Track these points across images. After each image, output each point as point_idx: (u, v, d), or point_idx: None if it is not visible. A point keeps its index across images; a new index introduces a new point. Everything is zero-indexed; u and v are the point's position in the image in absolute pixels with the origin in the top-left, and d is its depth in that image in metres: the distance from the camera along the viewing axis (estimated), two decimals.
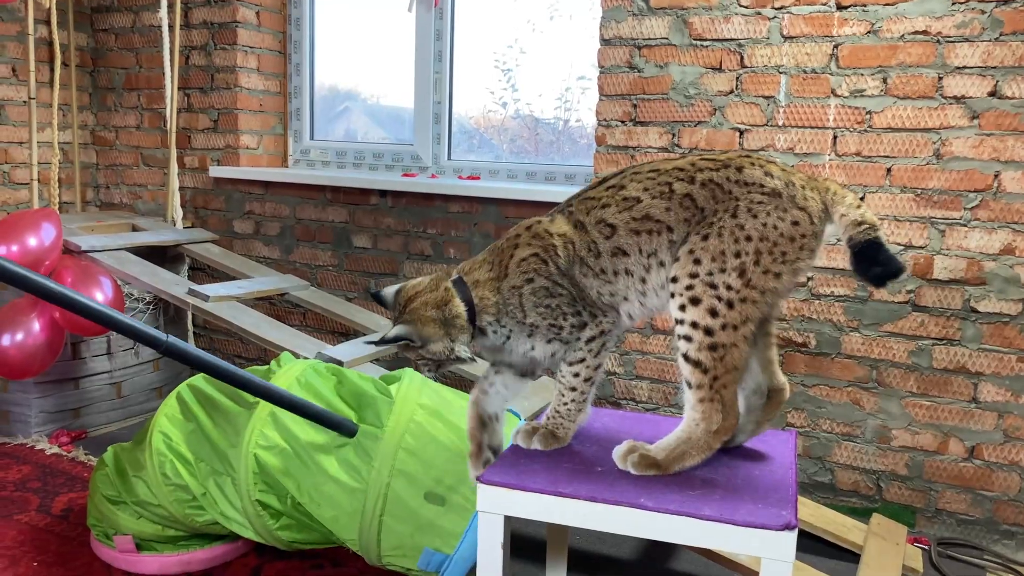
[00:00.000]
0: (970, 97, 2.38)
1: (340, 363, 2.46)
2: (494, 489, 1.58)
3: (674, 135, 2.73)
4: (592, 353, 1.65)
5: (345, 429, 1.87)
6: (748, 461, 1.73)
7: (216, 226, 3.64)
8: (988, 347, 2.42)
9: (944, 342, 2.47)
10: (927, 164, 2.44)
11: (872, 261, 1.54)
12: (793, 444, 1.88)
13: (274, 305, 3.48)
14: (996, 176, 2.37)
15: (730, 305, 1.54)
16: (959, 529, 2.52)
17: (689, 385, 1.58)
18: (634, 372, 2.89)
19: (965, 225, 2.41)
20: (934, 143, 2.42)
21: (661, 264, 1.63)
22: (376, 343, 1.67)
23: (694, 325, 1.55)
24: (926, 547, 2.43)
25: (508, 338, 1.66)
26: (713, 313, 1.54)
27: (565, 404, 1.68)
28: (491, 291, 1.65)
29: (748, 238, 1.56)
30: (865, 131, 2.50)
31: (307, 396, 1.98)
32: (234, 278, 3.14)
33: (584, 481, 1.59)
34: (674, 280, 1.59)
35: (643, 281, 1.65)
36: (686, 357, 1.56)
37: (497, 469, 1.64)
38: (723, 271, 1.55)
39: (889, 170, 2.48)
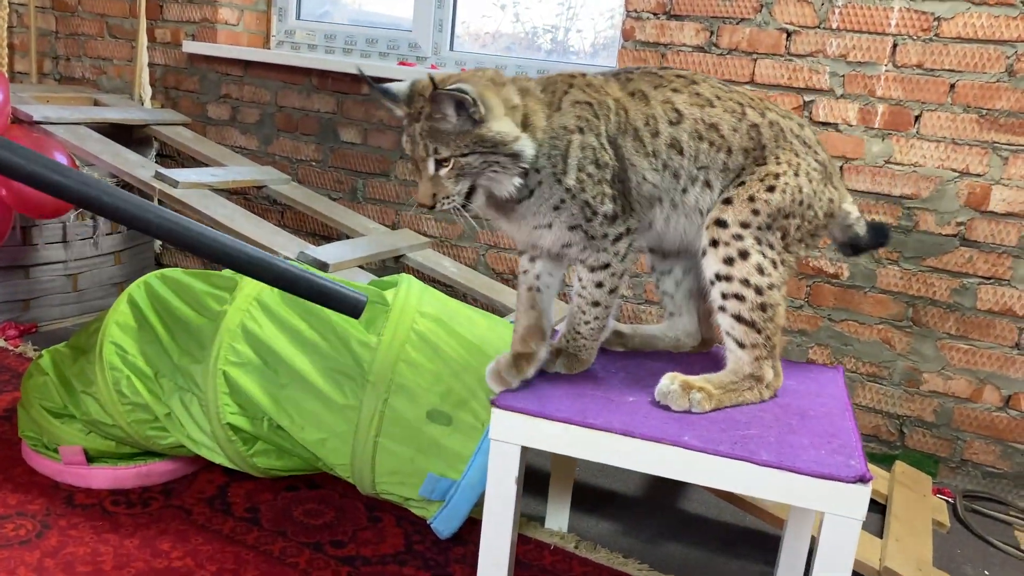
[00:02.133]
0: None
1: (325, 266, 2.19)
2: (512, 415, 1.34)
3: (712, 32, 2.43)
4: (619, 257, 1.41)
5: (351, 305, 1.51)
6: (798, 398, 1.51)
7: (188, 109, 3.29)
8: None
9: (992, 281, 2.25)
10: (997, 81, 2.17)
11: (883, 237, 1.61)
12: (843, 382, 1.66)
13: (249, 200, 3.17)
14: None
15: (774, 264, 1.42)
16: (984, 482, 2.35)
17: (741, 345, 1.43)
18: (644, 296, 2.65)
19: None
20: (1008, 57, 2.15)
21: (707, 184, 1.43)
22: (370, 83, 1.35)
23: (745, 282, 1.40)
24: (950, 499, 2.26)
25: (531, 193, 1.35)
26: (760, 270, 1.40)
27: (587, 322, 1.46)
28: (542, 112, 1.35)
29: (800, 202, 1.43)
30: (930, 40, 2.22)
31: (287, 305, 1.72)
32: (207, 166, 2.82)
33: (615, 412, 1.36)
34: (721, 224, 1.39)
35: (684, 192, 1.42)
36: (738, 317, 1.41)
37: (514, 393, 1.40)
38: (770, 228, 1.41)
39: (953, 86, 2.21)
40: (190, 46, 3.20)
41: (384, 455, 1.63)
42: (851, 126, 2.32)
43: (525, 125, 1.33)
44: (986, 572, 1.93)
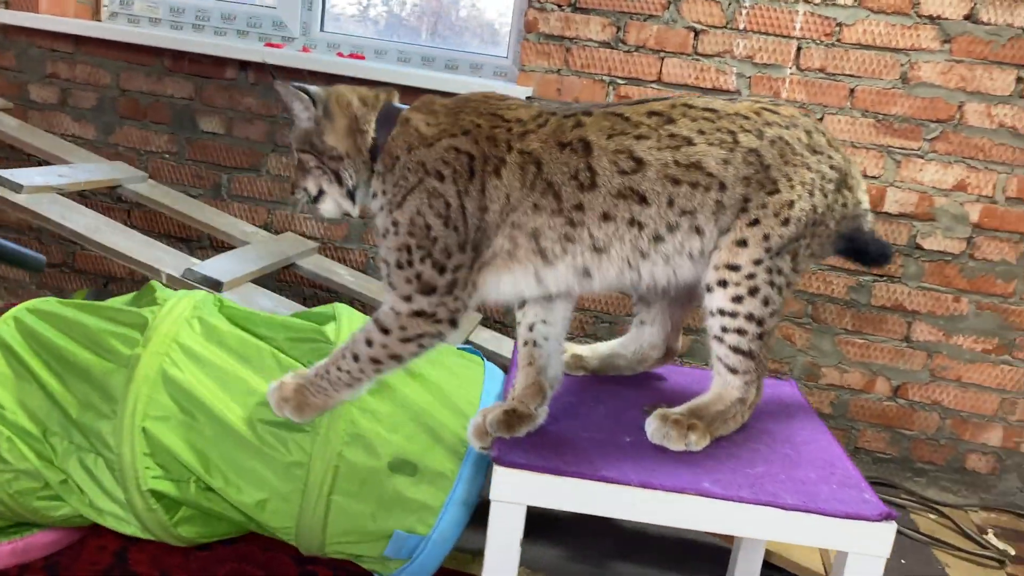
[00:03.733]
0: (945, 19, 2.20)
1: (218, 284, 1.91)
2: (516, 473, 1.20)
3: (619, 28, 2.35)
4: (401, 333, 1.28)
5: (31, 263, 1.39)
6: (774, 422, 1.47)
7: (5, 91, 2.80)
8: (927, 285, 2.35)
9: (884, 279, 2.37)
10: (892, 88, 2.26)
11: (885, 249, 1.48)
12: (800, 396, 1.66)
13: (86, 197, 2.75)
14: (960, 107, 2.24)
15: (780, 291, 1.35)
16: (874, 467, 2.49)
17: (734, 371, 1.36)
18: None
19: (922, 157, 2.28)
20: (902, 65, 2.25)
21: (696, 230, 1.31)
22: (275, 77, 1.36)
23: (749, 317, 1.33)
24: None
25: (374, 217, 1.34)
26: (766, 302, 1.33)
27: (339, 370, 1.33)
28: (405, 145, 1.31)
29: (813, 222, 1.35)
30: (832, 45, 2.27)
31: (213, 344, 1.47)
32: (43, 162, 2.40)
33: (622, 459, 1.26)
34: (734, 268, 1.31)
35: (655, 240, 1.31)
36: (736, 348, 1.34)
37: (509, 446, 1.26)
38: (780, 254, 1.33)
39: (852, 91, 2.28)
40: (4, 15, 2.71)
41: (339, 514, 1.44)
42: None
43: (374, 153, 1.32)
44: (903, 560, 2.04)
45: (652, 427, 1.32)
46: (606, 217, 1.28)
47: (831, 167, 1.37)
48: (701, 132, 1.31)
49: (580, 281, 1.31)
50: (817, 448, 1.39)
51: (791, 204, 1.32)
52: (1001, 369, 2.36)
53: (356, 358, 1.30)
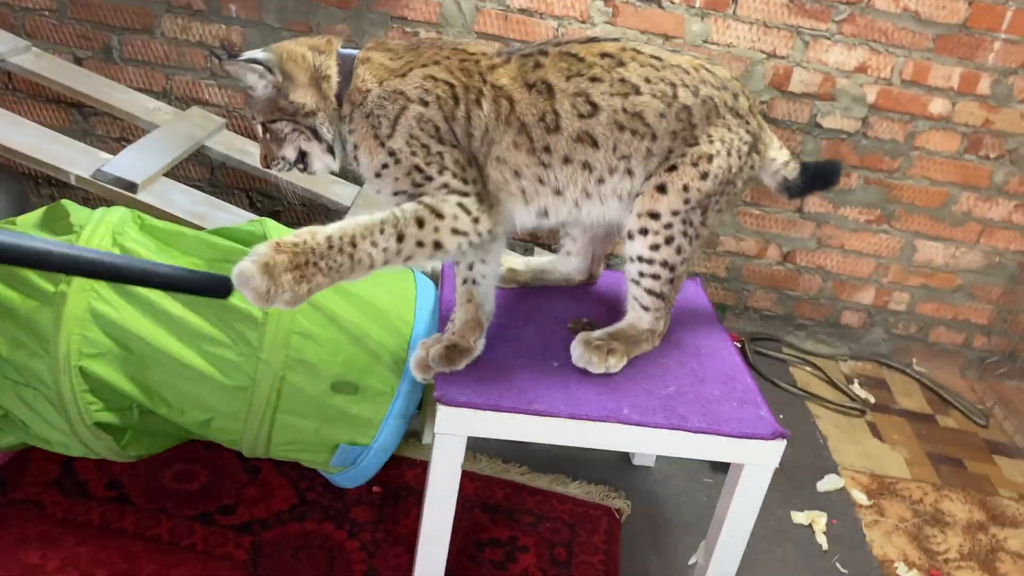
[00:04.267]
0: None
1: (133, 186, 1.86)
2: (458, 411, 1.32)
3: None
4: (454, 223, 1.26)
5: (215, 289, 1.32)
6: (681, 329, 1.62)
7: None
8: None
9: None
10: None
11: (831, 176, 1.64)
12: (703, 294, 1.82)
13: None
14: None
15: (691, 241, 1.47)
16: (761, 323, 2.74)
17: (646, 308, 1.50)
18: None
19: (829, 38, 2.34)
20: None
21: (629, 172, 1.40)
22: (222, 59, 1.31)
23: (664, 264, 1.45)
24: (739, 343, 2.62)
25: (356, 159, 1.36)
26: (679, 251, 1.45)
27: (374, 245, 1.18)
28: (375, 78, 1.32)
29: (726, 181, 1.45)
30: None
31: None
32: None
33: (552, 388, 1.39)
34: (654, 216, 1.41)
35: (600, 182, 1.39)
36: (650, 291, 1.48)
37: (449, 383, 1.36)
38: (695, 210, 1.44)
39: None
40: None
41: (283, 429, 1.54)
42: (673, 3, 2.32)
43: (339, 98, 1.32)
44: (781, 416, 2.32)
45: (576, 353, 1.45)
46: (566, 160, 1.35)
47: (747, 131, 1.45)
48: (648, 81, 1.36)
49: (538, 221, 1.40)
50: (720, 361, 1.56)
51: (710, 158, 1.40)
52: (879, 237, 2.58)
53: (401, 237, 1.19)
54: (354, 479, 1.64)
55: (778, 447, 1.38)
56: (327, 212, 2.62)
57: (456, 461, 1.36)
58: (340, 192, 2.35)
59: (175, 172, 2.39)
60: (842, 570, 1.81)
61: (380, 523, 1.70)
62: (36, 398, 1.46)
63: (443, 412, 1.31)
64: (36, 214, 1.59)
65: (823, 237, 2.59)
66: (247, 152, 2.32)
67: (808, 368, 2.60)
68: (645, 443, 1.36)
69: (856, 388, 2.54)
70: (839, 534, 1.92)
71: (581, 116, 1.33)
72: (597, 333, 1.49)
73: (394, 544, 1.65)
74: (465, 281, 1.42)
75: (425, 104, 1.28)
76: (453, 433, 1.33)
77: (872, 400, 2.50)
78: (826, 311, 2.70)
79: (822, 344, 2.74)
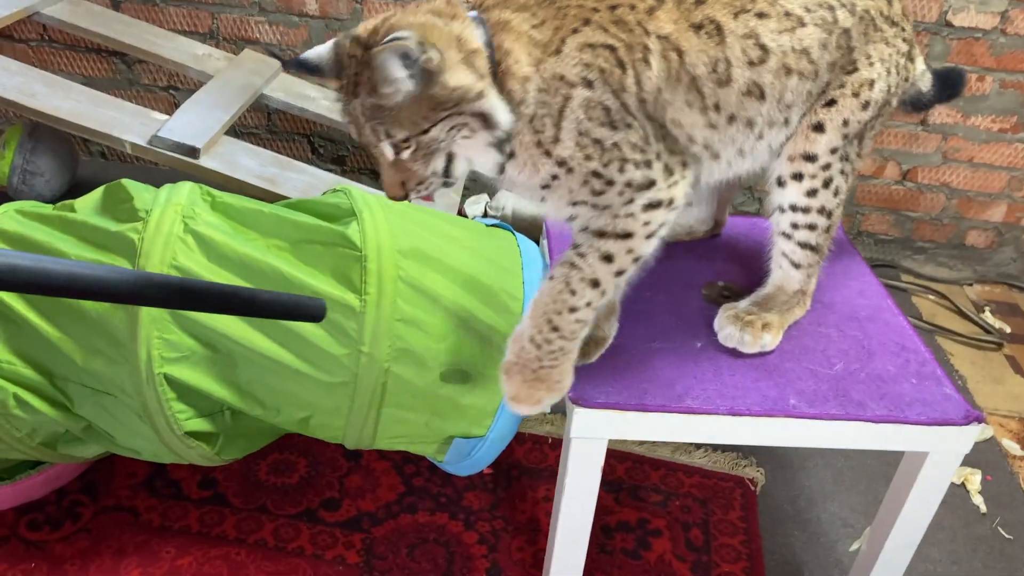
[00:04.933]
0: None
1: (194, 151, 1.67)
2: (597, 412, 1.14)
3: None
4: (645, 229, 1.07)
5: (307, 313, 1.19)
6: (830, 288, 1.40)
7: None
8: (951, 65, 2.18)
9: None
10: None
11: (956, 85, 1.40)
12: (843, 233, 1.59)
13: None
14: None
15: (847, 178, 1.23)
16: (875, 248, 2.49)
17: (797, 266, 1.27)
18: None
19: None
20: None
21: (787, 122, 1.17)
22: (287, 62, 1.04)
23: (821, 211, 1.22)
24: None
25: (512, 155, 1.04)
26: (836, 192, 1.22)
27: (575, 309, 1.07)
28: (530, 59, 1.00)
29: (886, 103, 1.21)
30: None
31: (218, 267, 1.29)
32: None
33: (702, 378, 1.19)
34: (810, 158, 1.18)
35: (759, 139, 1.16)
36: (804, 244, 1.24)
37: (584, 380, 1.17)
38: (852, 141, 1.20)
39: None
40: None
41: (390, 422, 1.38)
42: None
43: (495, 73, 0.98)
44: None
45: (725, 331, 1.25)
46: (732, 119, 1.12)
47: (904, 40, 1.20)
48: (807, 9, 1.11)
49: (690, 190, 1.15)
50: (884, 325, 1.35)
51: (871, 84, 1.17)
52: (1015, 147, 2.29)
53: (596, 283, 1.06)
54: (467, 469, 1.49)
55: (972, 432, 1.17)
56: None
57: (596, 466, 1.18)
58: None
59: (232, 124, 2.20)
60: (1006, 535, 1.63)
61: (496, 510, 1.56)
62: (118, 407, 1.31)
63: (579, 415, 1.13)
64: (95, 196, 1.41)
65: (949, 151, 2.31)
66: (307, 97, 2.10)
67: (932, 297, 2.36)
68: (818, 437, 1.17)
69: (988, 317, 2.30)
70: (996, 492, 1.73)
71: (751, 64, 1.08)
72: (744, 304, 1.28)
73: (515, 534, 1.51)
74: None
75: (590, 85, 1.00)
76: (592, 437, 1.16)
77: (1008, 330, 2.27)
78: (949, 232, 2.44)
79: (943, 268, 2.49)
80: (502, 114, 0.98)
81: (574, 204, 1.07)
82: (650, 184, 1.06)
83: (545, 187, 1.06)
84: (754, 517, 1.60)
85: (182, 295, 0.82)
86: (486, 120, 0.98)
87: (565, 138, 1.02)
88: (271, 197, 1.68)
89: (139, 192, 1.37)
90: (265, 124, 2.42)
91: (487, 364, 1.37)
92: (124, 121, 1.70)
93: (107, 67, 2.38)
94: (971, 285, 2.45)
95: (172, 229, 1.30)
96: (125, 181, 1.39)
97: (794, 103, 1.13)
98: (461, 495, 1.58)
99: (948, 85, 1.39)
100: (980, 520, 1.66)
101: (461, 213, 2.36)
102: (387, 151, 1.00)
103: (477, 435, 1.41)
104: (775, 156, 1.20)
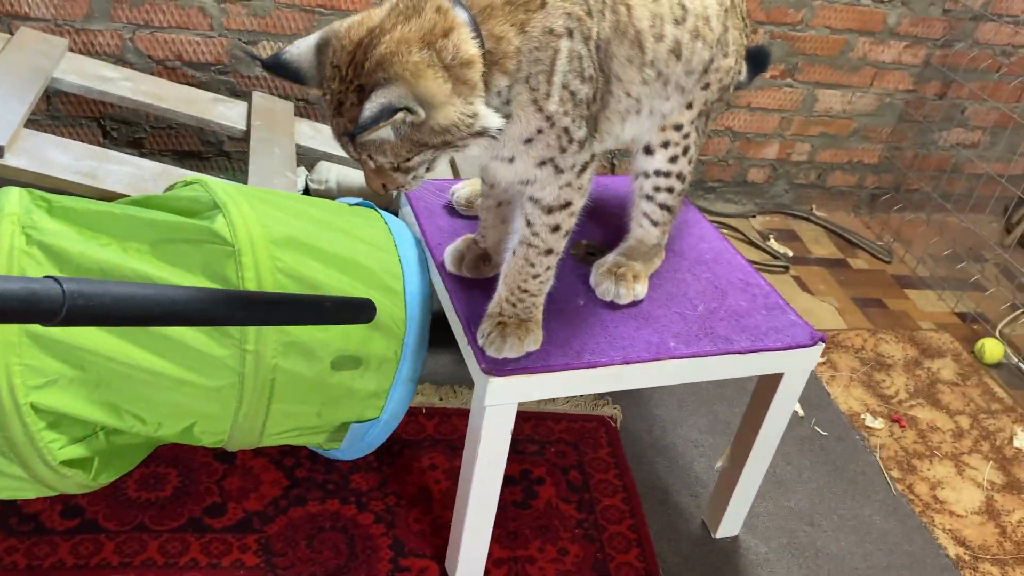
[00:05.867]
0: None
1: None
2: (508, 379, 1.19)
3: None
4: (581, 193, 1.18)
5: (365, 314, 1.13)
6: (675, 238, 1.55)
7: None
8: None
9: None
10: None
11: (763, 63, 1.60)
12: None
13: None
14: None
15: (697, 149, 1.37)
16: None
17: (655, 224, 1.41)
18: None
19: None
20: None
21: (682, 91, 1.26)
22: (351, 135, 0.96)
23: (679, 176, 1.36)
24: None
25: (501, 129, 1.05)
26: (691, 160, 1.36)
27: (537, 276, 1.21)
28: (511, 26, 1.01)
29: (729, 86, 1.36)
30: None
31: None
32: None
33: (590, 332, 1.29)
34: (678, 128, 1.28)
35: (666, 100, 1.26)
36: (663, 205, 1.38)
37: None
38: (702, 115, 1.33)
39: None
40: None
41: (279, 418, 1.34)
42: None
43: (492, 63, 1.00)
44: None
45: (602, 286, 1.35)
46: (659, 75, 1.19)
47: (744, 23, 1.36)
48: None
49: (600, 147, 1.22)
50: (727, 265, 1.51)
51: (728, 69, 1.30)
52: (783, 92, 2.58)
53: (550, 251, 1.19)
54: (359, 452, 1.49)
55: (817, 351, 1.36)
56: (212, 137, 2.28)
57: (507, 431, 1.24)
58: (226, 113, 2.02)
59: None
60: (822, 432, 1.90)
61: (385, 487, 1.57)
62: None
63: (494, 384, 1.18)
64: None
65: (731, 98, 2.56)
66: (107, 79, 1.92)
67: (725, 231, 2.63)
68: (696, 373, 1.30)
69: (774, 244, 2.61)
70: (806, 396, 2.00)
71: (676, 22, 1.16)
72: (612, 257, 1.39)
73: (409, 508, 1.54)
74: (500, 204, 1.30)
75: (571, 35, 1.02)
76: (505, 403, 1.21)
77: (790, 253, 2.59)
78: (733, 171, 2.71)
79: (731, 204, 2.77)
80: (493, 122, 1.00)
81: (541, 164, 1.11)
82: (583, 143, 1.12)
83: (528, 141, 1.08)
84: (620, 451, 1.74)
85: (263, 307, 0.80)
86: (479, 134, 1.00)
87: (554, 92, 1.05)
88: (95, 194, 1.54)
89: None
90: (45, 109, 2.17)
91: (377, 345, 1.38)
92: None
93: None
94: (754, 217, 2.76)
95: (13, 243, 1.17)
96: None
97: (693, 71, 1.23)
98: (347, 479, 1.57)
99: (757, 64, 1.57)
100: (800, 423, 1.92)
101: None
102: (369, 165, 1.02)
103: (371, 418, 1.41)
104: (654, 123, 1.30)
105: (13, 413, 1.14)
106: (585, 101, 1.09)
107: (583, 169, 1.15)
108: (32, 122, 2.18)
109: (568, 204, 1.16)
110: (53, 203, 1.26)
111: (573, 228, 1.20)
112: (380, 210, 1.54)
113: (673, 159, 1.31)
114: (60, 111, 2.19)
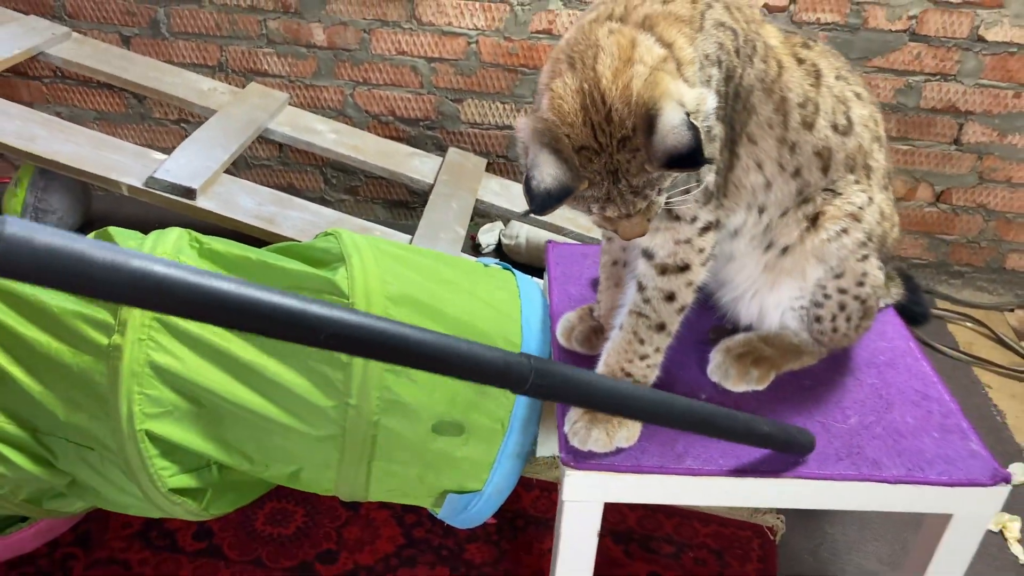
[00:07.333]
0: None
1: (190, 192, 1.64)
2: (589, 475, 1.07)
3: None
4: (701, 258, 1.03)
5: (799, 447, 1.08)
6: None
7: None
8: (985, 82, 2.08)
9: (938, 77, 2.09)
10: None
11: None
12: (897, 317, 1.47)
13: None
14: None
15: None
16: (910, 272, 2.38)
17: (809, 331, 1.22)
18: None
19: None
20: None
21: (785, 212, 1.14)
22: (668, 162, 0.87)
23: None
24: None
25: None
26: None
27: (644, 357, 1.07)
28: (682, 36, 0.91)
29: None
30: None
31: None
32: None
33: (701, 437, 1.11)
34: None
35: (784, 215, 1.12)
36: (818, 319, 1.20)
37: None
38: None
39: None
40: None
41: (382, 476, 1.32)
42: None
43: (682, 65, 0.91)
44: None
45: (714, 362, 1.19)
46: (796, 173, 1.06)
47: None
48: (858, 97, 1.09)
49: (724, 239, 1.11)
50: (905, 371, 1.26)
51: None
52: None
53: (662, 327, 1.05)
54: (465, 523, 1.43)
55: (999, 494, 1.08)
56: (407, 189, 2.37)
57: (592, 530, 1.11)
58: (419, 167, 2.09)
59: (242, 156, 2.17)
60: None
61: (499, 564, 1.49)
62: (103, 462, 1.28)
63: (571, 478, 1.06)
64: None
65: (985, 171, 2.19)
66: (315, 131, 2.08)
67: (969, 324, 2.24)
68: (830, 499, 1.09)
69: None
70: None
71: (835, 129, 1.05)
72: (740, 336, 1.21)
73: None
74: (615, 263, 1.19)
75: (719, 65, 0.94)
76: (585, 500, 1.09)
77: None
78: (988, 255, 2.32)
79: (983, 293, 2.36)
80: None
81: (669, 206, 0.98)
82: (713, 195, 1.01)
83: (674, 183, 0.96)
84: (773, 570, 1.51)
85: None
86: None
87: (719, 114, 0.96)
88: (270, 237, 1.65)
89: (124, 240, 1.34)
90: (277, 156, 2.40)
91: (483, 414, 1.31)
92: (124, 163, 1.68)
93: (119, 102, 2.38)
94: (1012, 311, 2.33)
95: None
96: (112, 229, 1.37)
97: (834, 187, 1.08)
98: (463, 547, 1.52)
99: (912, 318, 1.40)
100: (1018, 571, 1.55)
101: (475, 241, 2.31)
102: (644, 204, 0.91)
103: (473, 489, 1.35)
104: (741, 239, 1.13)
105: (131, 438, 1.22)
106: (719, 141, 0.96)
107: (705, 229, 1.02)
108: (262, 167, 2.41)
109: (686, 268, 1.03)
110: (204, 244, 1.36)
111: (690, 305, 1.06)
112: (516, 272, 1.49)
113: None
114: (289, 159, 2.40)
